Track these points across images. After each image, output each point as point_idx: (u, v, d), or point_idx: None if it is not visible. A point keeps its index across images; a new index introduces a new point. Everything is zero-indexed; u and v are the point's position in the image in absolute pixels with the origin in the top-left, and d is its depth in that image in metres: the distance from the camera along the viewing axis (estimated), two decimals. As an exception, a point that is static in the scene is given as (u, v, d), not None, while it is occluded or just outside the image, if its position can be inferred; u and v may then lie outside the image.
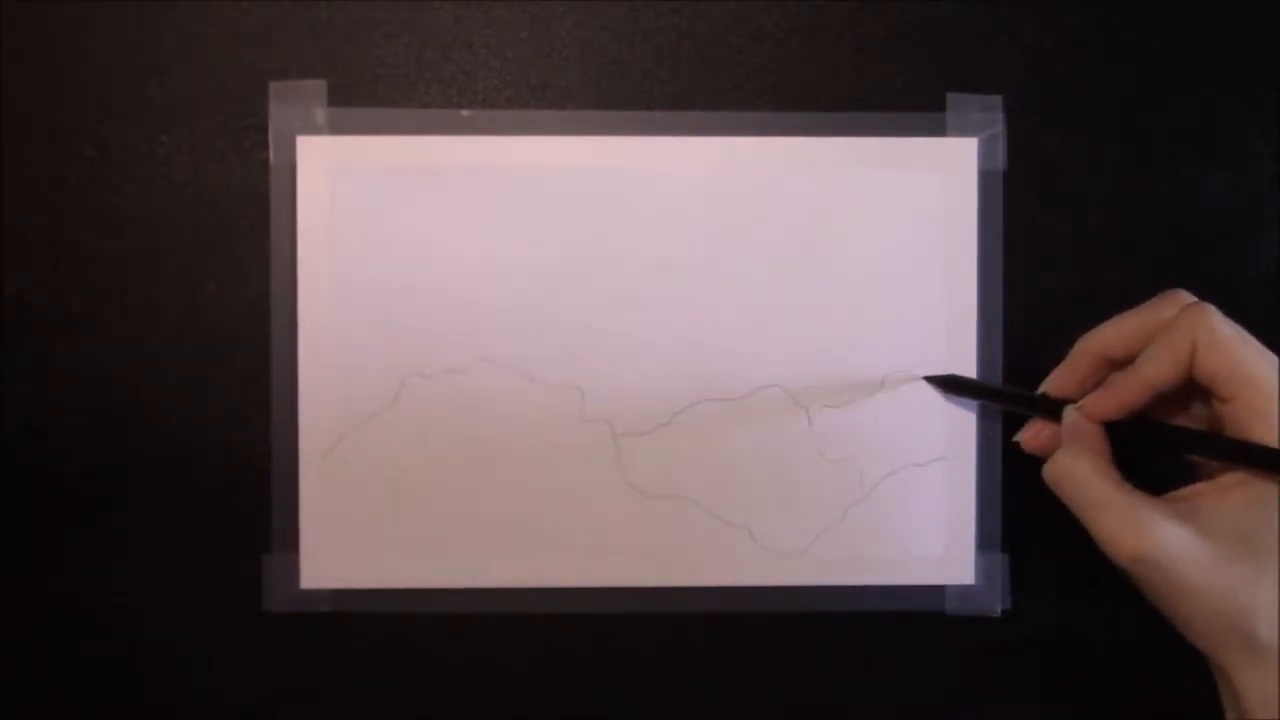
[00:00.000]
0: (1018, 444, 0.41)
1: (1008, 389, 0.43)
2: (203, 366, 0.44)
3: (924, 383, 0.44)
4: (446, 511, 0.44)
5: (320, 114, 0.44)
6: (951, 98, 0.44)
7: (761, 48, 0.45)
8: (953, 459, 0.45)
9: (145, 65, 0.44)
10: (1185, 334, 0.36)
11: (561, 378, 0.44)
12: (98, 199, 0.44)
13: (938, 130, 0.44)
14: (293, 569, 0.44)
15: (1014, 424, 0.45)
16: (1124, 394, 0.38)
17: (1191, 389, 0.38)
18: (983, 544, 0.45)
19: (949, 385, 0.44)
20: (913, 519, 0.45)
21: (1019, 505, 0.45)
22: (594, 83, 0.44)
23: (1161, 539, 0.35)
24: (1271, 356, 0.36)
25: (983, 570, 0.45)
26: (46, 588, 0.44)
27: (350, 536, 0.44)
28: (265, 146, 0.43)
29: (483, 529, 0.44)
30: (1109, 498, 0.36)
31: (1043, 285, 0.45)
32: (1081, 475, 0.37)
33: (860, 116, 0.44)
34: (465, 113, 0.44)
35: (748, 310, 0.44)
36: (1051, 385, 0.40)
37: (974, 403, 0.45)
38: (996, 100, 0.45)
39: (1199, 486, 0.37)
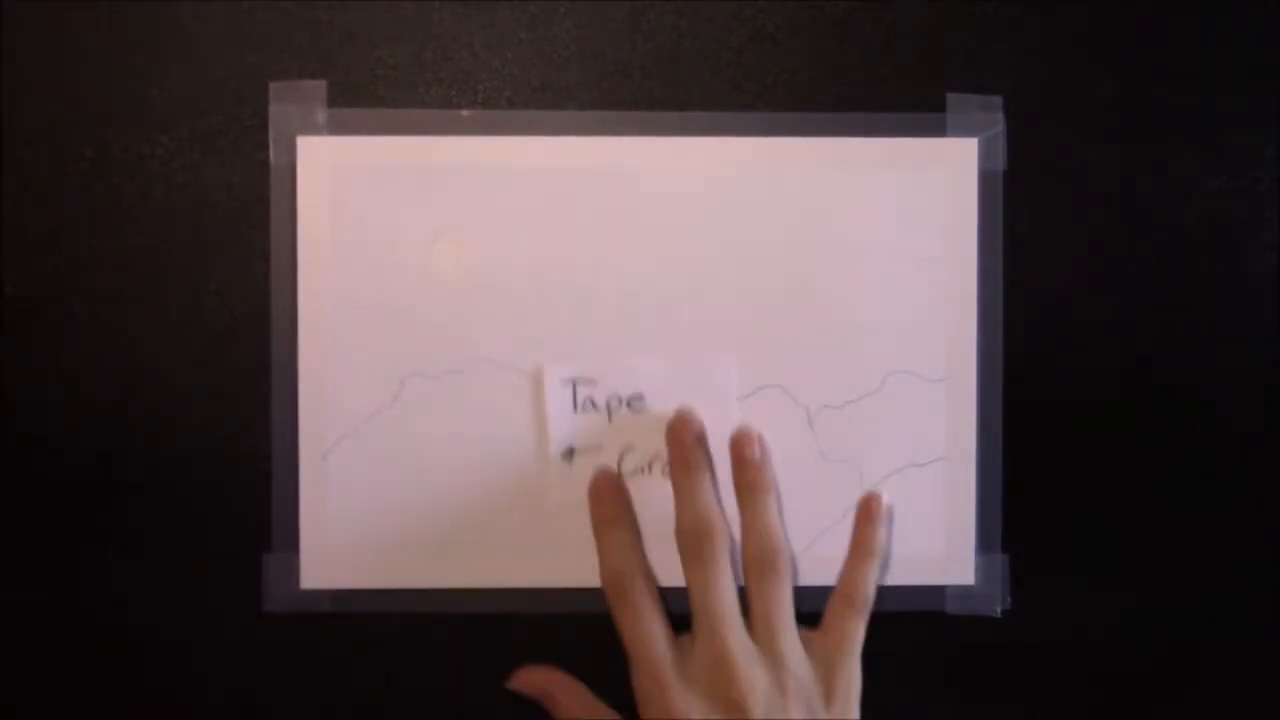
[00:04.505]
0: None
1: None
2: (203, 366, 0.44)
3: (924, 382, 0.44)
4: (446, 512, 0.44)
5: (320, 114, 0.44)
6: (951, 98, 0.45)
7: (761, 48, 0.45)
8: (953, 459, 0.45)
9: (145, 65, 0.44)
10: None
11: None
12: (98, 199, 0.44)
13: (938, 131, 0.44)
14: (293, 569, 0.44)
15: (1015, 424, 0.45)
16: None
17: None
18: (983, 544, 0.45)
19: None
20: (913, 519, 0.45)
21: (1019, 506, 0.45)
22: (594, 83, 0.44)
23: None
24: None
25: (983, 571, 0.45)
26: (46, 588, 0.44)
27: (350, 536, 0.44)
28: (265, 147, 0.43)
29: (482, 529, 0.44)
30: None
31: (1043, 285, 0.45)
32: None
33: (861, 117, 0.44)
34: (465, 113, 0.44)
35: (748, 310, 0.44)
36: None
37: (974, 403, 0.45)
38: (996, 100, 0.45)
39: None
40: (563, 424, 0.44)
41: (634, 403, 0.44)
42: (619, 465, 0.44)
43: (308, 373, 0.44)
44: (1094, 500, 0.45)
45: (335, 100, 0.44)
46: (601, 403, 0.44)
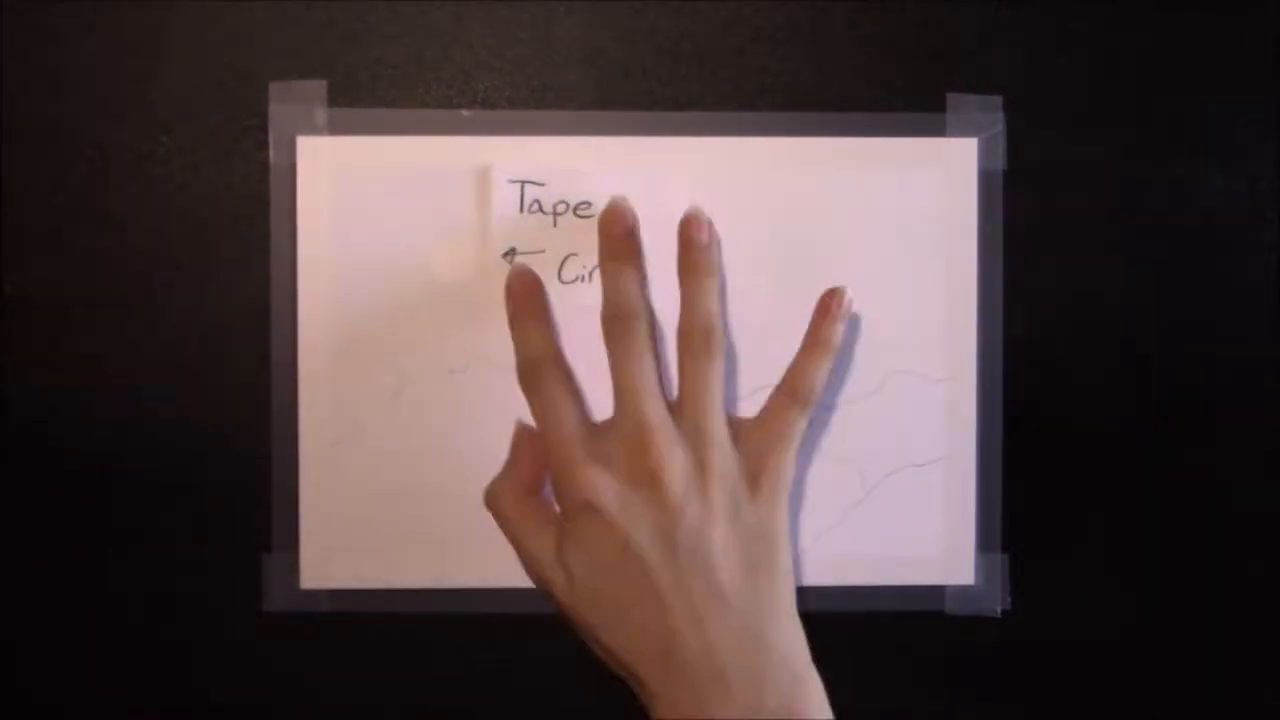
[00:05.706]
0: None
1: None
2: (203, 366, 0.44)
3: (924, 382, 0.44)
4: (446, 511, 0.44)
5: (320, 114, 0.44)
6: (951, 98, 0.45)
7: (761, 48, 0.45)
8: (953, 459, 0.45)
9: (145, 65, 0.44)
10: None
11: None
12: (98, 199, 0.44)
13: (938, 130, 0.44)
14: (293, 569, 0.44)
15: (1014, 424, 0.45)
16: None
17: None
18: (983, 544, 0.45)
19: None
20: (913, 519, 0.45)
21: (1019, 505, 0.45)
22: (594, 83, 0.44)
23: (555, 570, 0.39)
24: None
25: (983, 570, 0.45)
26: (46, 588, 0.44)
27: (350, 536, 0.44)
28: (265, 147, 0.43)
29: (482, 529, 0.44)
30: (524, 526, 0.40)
31: (1043, 285, 0.45)
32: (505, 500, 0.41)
33: (860, 117, 0.44)
34: (465, 113, 0.44)
35: (748, 310, 0.44)
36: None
37: (974, 403, 0.45)
38: (996, 100, 0.45)
39: None
40: (506, 224, 0.43)
41: (580, 209, 0.44)
42: (559, 271, 0.44)
43: (308, 373, 0.44)
44: (1094, 500, 0.45)
45: (335, 100, 0.44)
46: (548, 207, 0.44)
